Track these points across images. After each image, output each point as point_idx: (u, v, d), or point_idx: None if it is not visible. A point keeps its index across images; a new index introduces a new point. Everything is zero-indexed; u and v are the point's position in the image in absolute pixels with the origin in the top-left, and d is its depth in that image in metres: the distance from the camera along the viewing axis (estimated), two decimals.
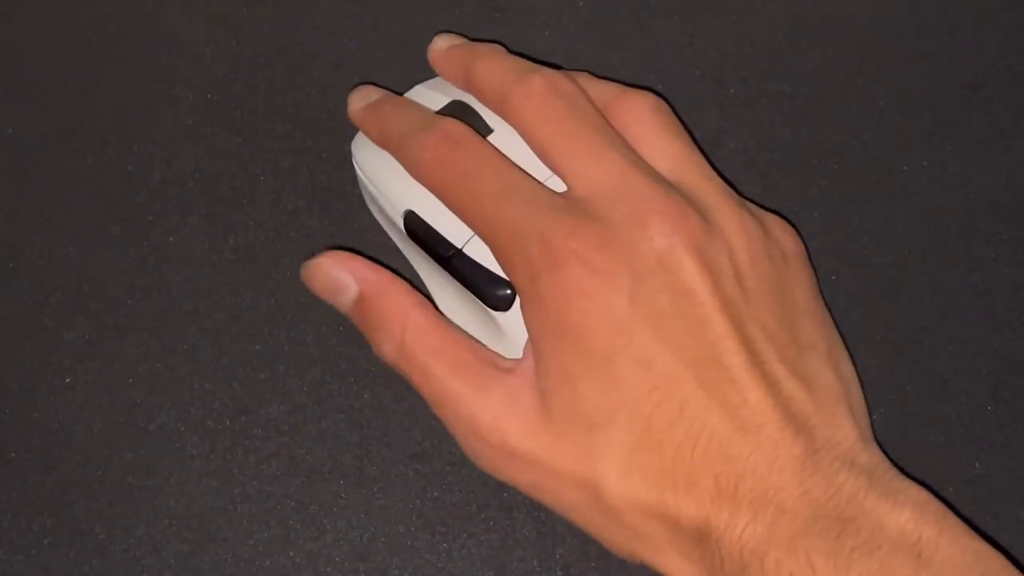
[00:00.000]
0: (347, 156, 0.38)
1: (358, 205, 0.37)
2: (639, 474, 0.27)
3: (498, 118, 0.33)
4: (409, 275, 0.34)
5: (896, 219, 0.37)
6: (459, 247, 0.31)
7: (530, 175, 0.31)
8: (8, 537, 0.34)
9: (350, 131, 0.38)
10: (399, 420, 0.35)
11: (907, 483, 0.27)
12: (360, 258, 0.32)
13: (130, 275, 0.36)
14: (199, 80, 0.38)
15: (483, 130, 0.32)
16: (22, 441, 0.35)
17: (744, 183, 0.38)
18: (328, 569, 0.34)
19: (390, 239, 0.36)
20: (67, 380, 0.35)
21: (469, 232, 0.31)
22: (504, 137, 0.32)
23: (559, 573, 0.34)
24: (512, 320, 0.31)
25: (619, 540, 0.29)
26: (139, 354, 0.36)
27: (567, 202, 0.30)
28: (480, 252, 0.31)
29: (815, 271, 0.32)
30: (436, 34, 0.35)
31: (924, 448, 0.35)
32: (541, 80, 0.31)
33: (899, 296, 0.37)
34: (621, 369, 0.28)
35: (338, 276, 0.32)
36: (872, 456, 0.28)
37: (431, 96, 0.35)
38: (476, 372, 0.30)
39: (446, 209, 0.32)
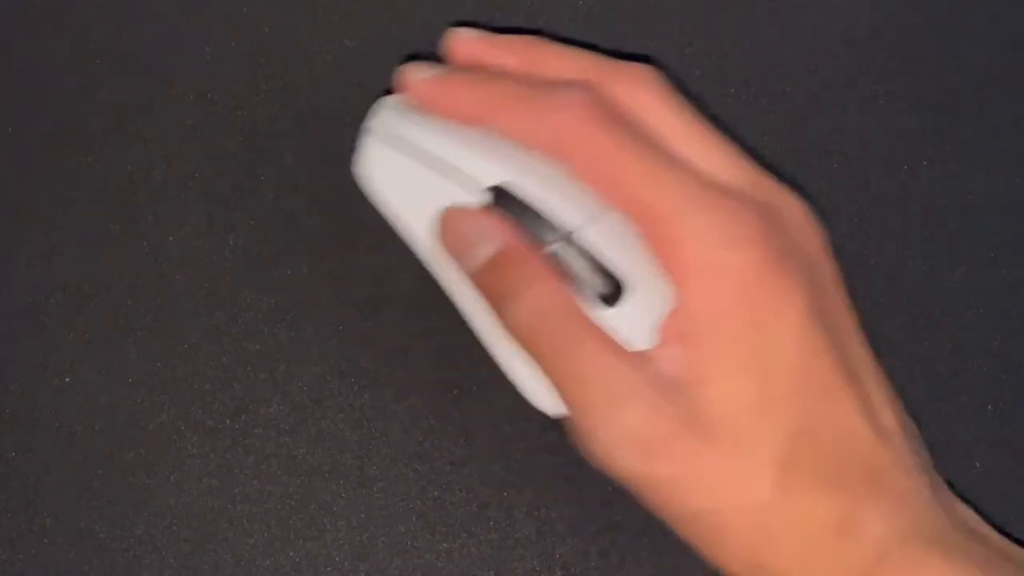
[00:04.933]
0: (346, 156, 0.38)
1: (358, 205, 0.37)
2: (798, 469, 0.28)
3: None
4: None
5: (896, 219, 0.37)
6: (570, 231, 0.29)
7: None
8: (8, 537, 0.34)
9: (350, 130, 0.38)
10: (399, 420, 0.35)
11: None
12: (507, 216, 0.29)
13: (130, 275, 0.36)
14: (199, 80, 0.38)
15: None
16: (22, 441, 0.35)
17: None
18: (328, 569, 0.34)
19: (389, 243, 0.36)
20: (67, 380, 0.35)
21: (581, 215, 0.29)
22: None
23: (559, 573, 0.34)
24: (611, 317, 0.29)
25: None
26: (139, 354, 0.36)
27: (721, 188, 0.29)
28: (590, 240, 0.29)
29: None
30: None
31: None
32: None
33: (899, 296, 0.37)
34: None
35: (479, 227, 0.29)
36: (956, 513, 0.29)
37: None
38: (621, 359, 0.28)
39: (550, 185, 0.29)
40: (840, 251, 0.37)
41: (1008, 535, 0.32)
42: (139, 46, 0.39)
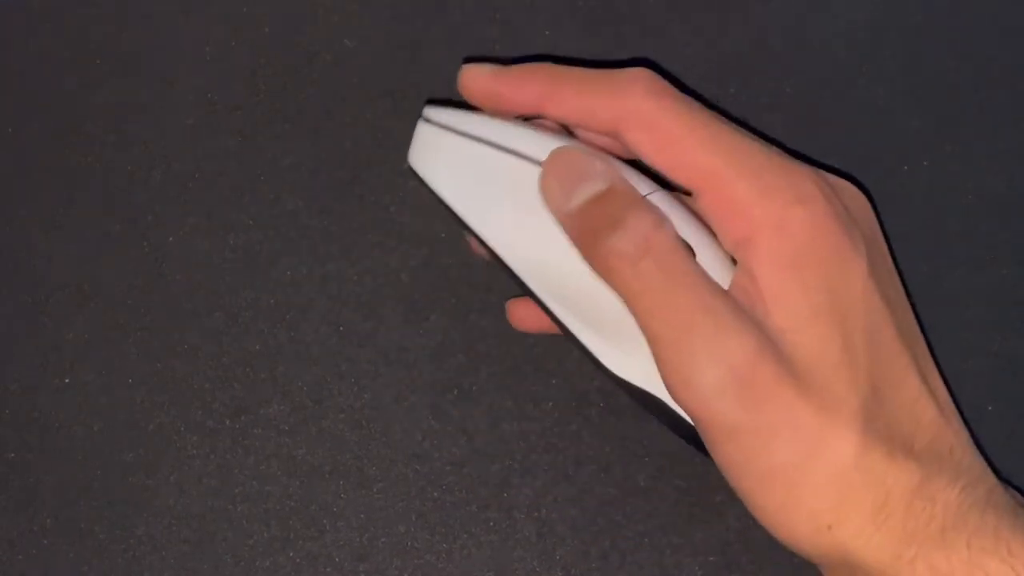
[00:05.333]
0: (346, 156, 0.38)
1: (358, 205, 0.37)
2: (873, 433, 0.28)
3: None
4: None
5: (896, 219, 0.37)
6: None
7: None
8: (8, 537, 0.34)
9: (350, 130, 0.38)
10: (399, 420, 0.35)
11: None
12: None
13: (130, 275, 0.36)
14: (199, 80, 0.38)
15: None
16: (22, 441, 0.35)
17: None
18: (328, 569, 0.34)
19: (390, 237, 0.36)
20: (67, 380, 0.35)
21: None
22: None
23: (559, 573, 0.34)
24: None
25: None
26: (139, 354, 0.36)
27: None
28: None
29: None
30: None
31: None
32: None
33: None
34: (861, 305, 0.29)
35: (591, 162, 0.29)
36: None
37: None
38: (724, 290, 0.28)
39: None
40: None
41: None
42: (139, 46, 0.39)
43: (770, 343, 0.27)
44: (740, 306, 0.28)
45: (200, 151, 0.38)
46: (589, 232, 0.29)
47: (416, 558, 0.34)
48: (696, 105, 0.30)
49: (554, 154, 0.30)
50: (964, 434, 0.30)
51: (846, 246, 0.28)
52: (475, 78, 0.32)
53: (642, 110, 0.29)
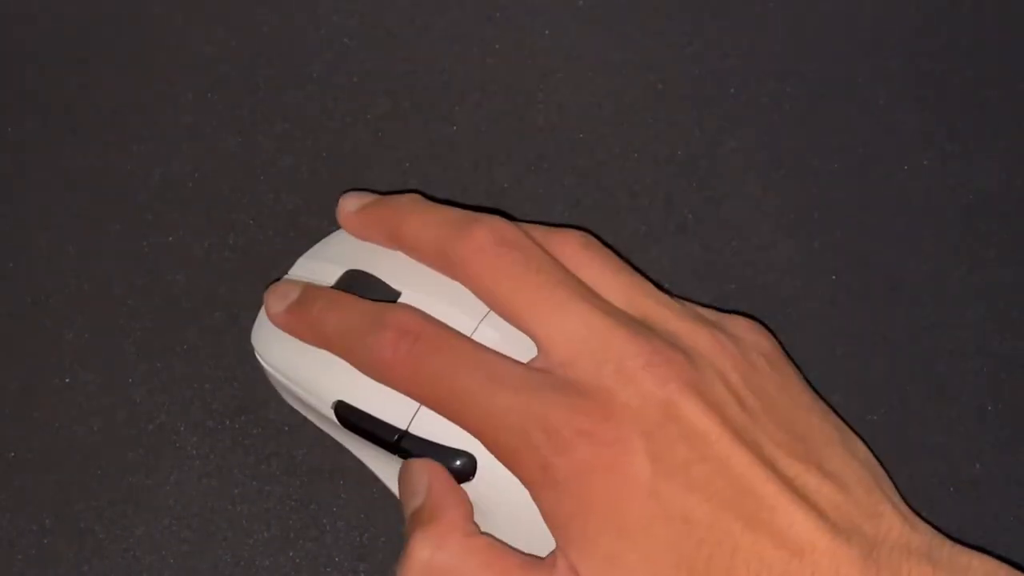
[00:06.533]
0: (346, 156, 0.38)
1: None
2: None
3: (403, 277, 0.31)
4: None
5: (896, 219, 0.37)
6: (404, 428, 0.29)
7: (503, 355, 0.29)
8: (8, 537, 0.34)
9: (350, 130, 0.38)
10: None
11: (968, 554, 0.27)
12: (444, 470, 0.30)
13: (130, 275, 0.36)
14: (199, 80, 0.38)
15: (389, 295, 0.31)
16: (22, 441, 0.35)
17: (744, 183, 0.38)
18: (328, 569, 0.34)
19: None
20: (67, 380, 0.35)
21: (409, 410, 0.29)
22: (415, 297, 0.30)
23: None
24: (475, 487, 0.29)
25: None
26: (139, 354, 0.36)
27: (553, 377, 0.28)
28: (426, 428, 0.29)
29: (795, 363, 0.32)
30: (340, 196, 0.33)
31: (924, 448, 0.35)
32: (486, 232, 0.30)
33: (899, 296, 0.37)
34: (663, 532, 0.27)
35: (417, 480, 0.30)
36: (923, 534, 0.28)
37: (320, 268, 0.33)
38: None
39: (377, 389, 0.30)
40: (840, 251, 0.37)
41: (1008, 536, 0.32)
42: (139, 46, 0.39)
43: None
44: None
45: (200, 151, 0.38)
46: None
47: None
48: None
49: (403, 465, 0.30)
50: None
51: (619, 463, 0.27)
52: (342, 214, 0.33)
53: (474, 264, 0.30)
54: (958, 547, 0.27)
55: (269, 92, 0.38)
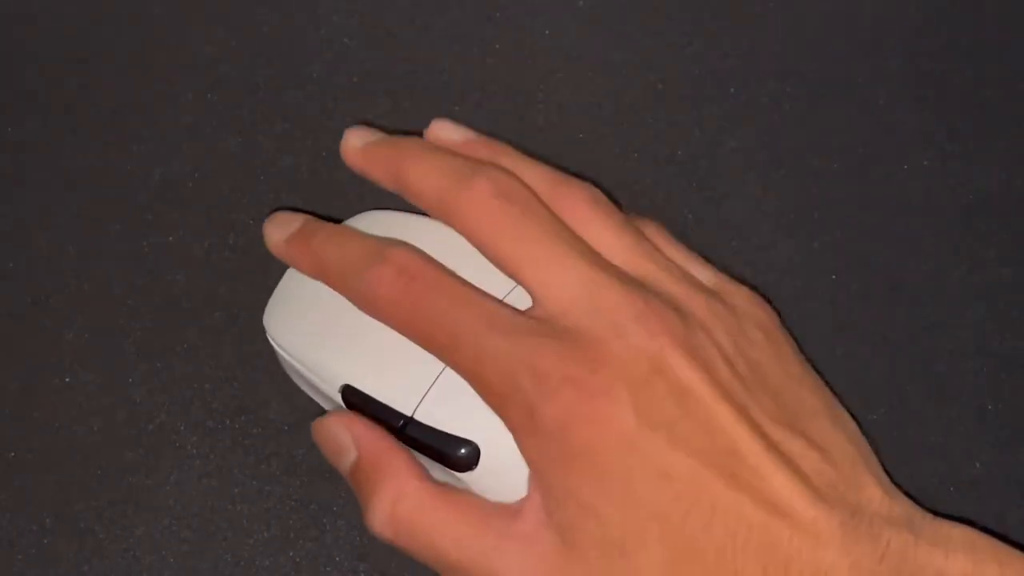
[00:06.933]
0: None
1: (358, 205, 0.37)
2: None
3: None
4: None
5: (896, 219, 0.37)
6: (410, 414, 0.29)
7: (499, 300, 0.29)
8: (8, 537, 0.34)
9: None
10: None
11: (948, 525, 0.27)
12: (364, 420, 0.30)
13: (130, 275, 0.36)
14: (199, 80, 0.38)
15: None
16: (22, 441, 0.35)
17: (744, 183, 0.38)
18: (328, 569, 0.34)
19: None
20: (67, 380, 0.35)
21: (416, 395, 0.29)
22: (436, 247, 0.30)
23: None
24: (478, 477, 0.29)
25: None
26: (139, 354, 0.36)
27: (546, 325, 0.28)
28: (431, 415, 0.29)
29: (793, 335, 0.32)
30: (346, 130, 0.33)
31: (924, 448, 0.35)
32: (487, 183, 0.30)
33: (899, 296, 0.37)
34: (641, 485, 0.26)
35: (340, 437, 0.30)
36: (903, 506, 0.28)
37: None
38: (483, 531, 0.28)
39: (386, 375, 0.30)
40: (840, 251, 0.37)
41: (1008, 536, 0.32)
42: (139, 46, 0.39)
43: (533, 543, 0.27)
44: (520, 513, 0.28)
45: (200, 151, 0.38)
46: (361, 497, 0.30)
47: None
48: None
49: (314, 426, 0.31)
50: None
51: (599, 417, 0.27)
52: (346, 148, 0.33)
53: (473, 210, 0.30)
54: (939, 519, 0.27)
55: (269, 92, 0.38)
